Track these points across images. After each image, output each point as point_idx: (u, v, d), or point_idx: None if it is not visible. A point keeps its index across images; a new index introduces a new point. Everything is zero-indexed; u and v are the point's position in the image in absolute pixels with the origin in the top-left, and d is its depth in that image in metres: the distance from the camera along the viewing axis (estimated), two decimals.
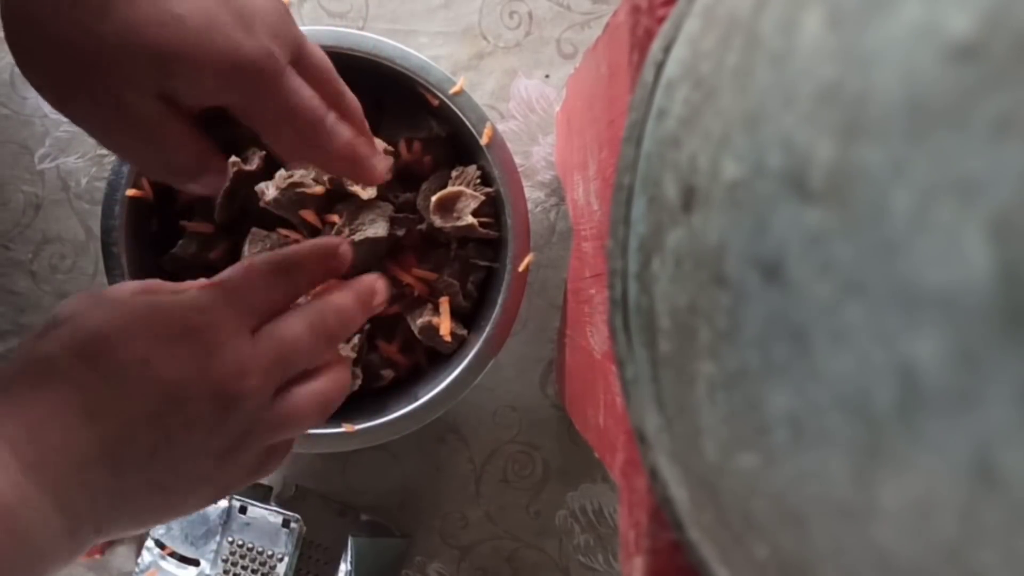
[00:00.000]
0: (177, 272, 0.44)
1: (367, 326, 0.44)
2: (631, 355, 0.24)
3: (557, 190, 0.50)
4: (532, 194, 0.50)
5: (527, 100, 0.50)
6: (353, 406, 0.43)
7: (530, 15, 0.50)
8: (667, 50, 0.24)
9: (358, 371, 0.42)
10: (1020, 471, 0.13)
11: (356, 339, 0.42)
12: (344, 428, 0.41)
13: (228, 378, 0.29)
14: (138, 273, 0.41)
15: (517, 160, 0.50)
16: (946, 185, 0.14)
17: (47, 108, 0.49)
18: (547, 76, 0.50)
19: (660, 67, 0.24)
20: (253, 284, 0.32)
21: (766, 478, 0.18)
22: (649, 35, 0.26)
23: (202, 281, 0.32)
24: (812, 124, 0.17)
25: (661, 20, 0.26)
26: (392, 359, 0.44)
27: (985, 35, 0.14)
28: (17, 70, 0.50)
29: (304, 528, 0.44)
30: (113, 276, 0.41)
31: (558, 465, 0.50)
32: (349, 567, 0.44)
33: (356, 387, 0.42)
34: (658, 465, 0.24)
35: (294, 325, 0.31)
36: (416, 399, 0.42)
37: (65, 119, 0.49)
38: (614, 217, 0.25)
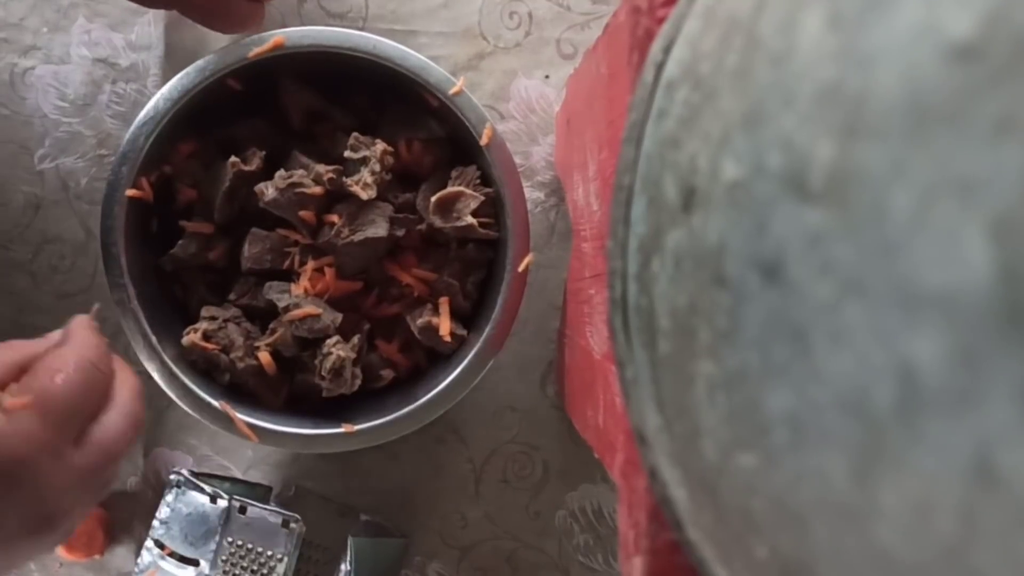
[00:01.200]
0: (177, 272, 0.44)
1: (367, 326, 0.44)
2: (631, 355, 0.24)
3: (557, 190, 0.50)
4: (532, 194, 0.50)
5: (527, 100, 0.50)
6: (353, 406, 0.43)
7: (530, 15, 0.50)
8: (667, 51, 0.24)
9: (357, 371, 0.42)
10: (1020, 471, 0.13)
11: (356, 339, 0.42)
12: (343, 428, 0.41)
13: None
14: (137, 273, 0.41)
15: (517, 160, 0.50)
16: (946, 185, 0.14)
17: (47, 108, 0.49)
18: (547, 76, 0.50)
19: (660, 67, 0.24)
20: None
21: (766, 478, 0.18)
22: (649, 35, 0.26)
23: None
24: (812, 124, 0.17)
25: (661, 20, 0.26)
26: (391, 359, 0.44)
27: (985, 35, 0.14)
28: (17, 70, 0.50)
29: (304, 528, 0.44)
30: (113, 276, 0.41)
31: (558, 465, 0.50)
32: (349, 567, 0.44)
33: (355, 387, 0.42)
34: (657, 465, 0.24)
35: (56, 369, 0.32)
36: (416, 399, 0.42)
37: (65, 119, 0.49)
38: (614, 217, 0.25)
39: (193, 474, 0.45)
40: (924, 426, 0.14)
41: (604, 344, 0.34)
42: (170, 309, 0.44)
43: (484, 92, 0.50)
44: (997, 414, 0.13)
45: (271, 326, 0.42)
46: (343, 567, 0.45)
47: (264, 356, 0.42)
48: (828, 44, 0.17)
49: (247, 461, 0.50)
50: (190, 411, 0.41)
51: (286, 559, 0.44)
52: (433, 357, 0.45)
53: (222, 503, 0.44)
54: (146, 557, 0.44)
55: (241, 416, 0.41)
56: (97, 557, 0.48)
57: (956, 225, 0.14)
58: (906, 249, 0.14)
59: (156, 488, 0.49)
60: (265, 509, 0.44)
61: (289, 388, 0.44)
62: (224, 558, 0.44)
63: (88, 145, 0.49)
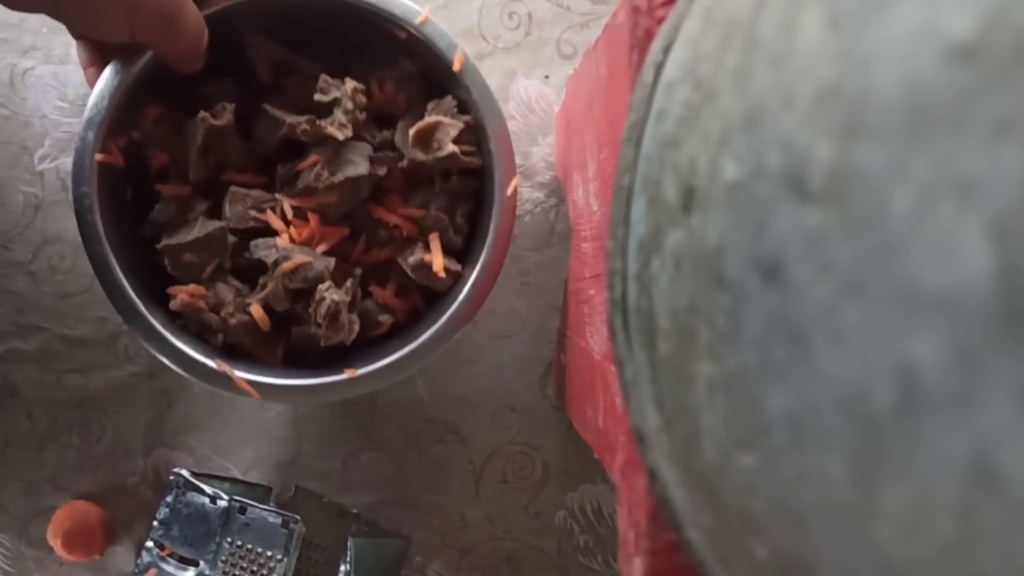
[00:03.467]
0: (157, 237, 0.43)
1: (358, 271, 0.42)
2: (631, 355, 0.24)
3: (557, 191, 0.50)
4: (532, 194, 0.50)
5: (526, 101, 0.50)
6: (353, 355, 0.42)
7: (530, 16, 0.50)
8: (667, 51, 0.24)
9: (354, 317, 0.41)
10: (1019, 472, 0.13)
11: (348, 283, 0.41)
12: (346, 375, 0.40)
13: None
14: (117, 242, 0.40)
15: (517, 161, 0.50)
16: (946, 186, 0.14)
17: (47, 108, 0.49)
18: (547, 77, 0.50)
19: (660, 68, 0.24)
20: None
21: (765, 479, 0.18)
22: (649, 36, 0.26)
23: None
24: (811, 125, 0.17)
25: (660, 21, 0.26)
26: (388, 304, 0.43)
27: (985, 36, 0.14)
28: (17, 70, 0.50)
29: (303, 529, 0.44)
30: (91, 246, 0.39)
31: (557, 466, 0.50)
32: (348, 568, 0.44)
33: (353, 334, 0.41)
34: (657, 465, 0.24)
35: None
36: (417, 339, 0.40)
37: (65, 119, 0.49)
38: (614, 218, 0.25)
39: (193, 475, 0.45)
40: (923, 427, 0.14)
41: (604, 344, 0.34)
42: (154, 278, 0.42)
43: None
44: (996, 415, 0.13)
45: (261, 281, 0.41)
46: (343, 568, 0.45)
47: (256, 310, 0.40)
48: (827, 45, 0.17)
49: (247, 462, 0.50)
50: (185, 374, 0.39)
51: (286, 560, 0.44)
52: (431, 299, 0.44)
53: (222, 504, 0.44)
54: (146, 558, 0.44)
55: (240, 374, 0.39)
56: (97, 557, 0.48)
57: (955, 225, 0.14)
58: (906, 249, 0.14)
59: (156, 488, 0.49)
60: (265, 510, 0.44)
61: (286, 345, 0.43)
62: (224, 559, 0.44)
63: None
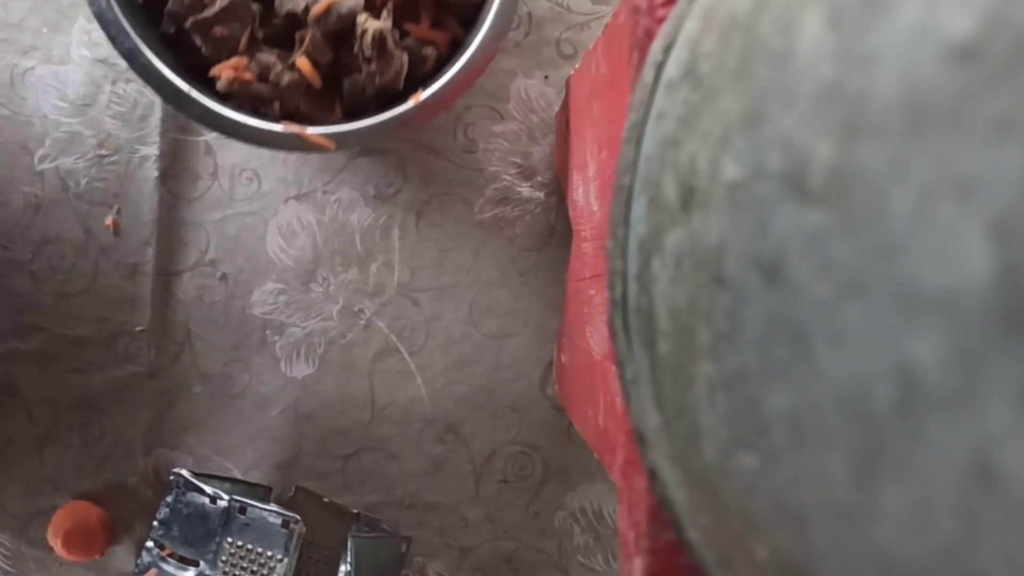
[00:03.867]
0: (180, 29, 0.41)
1: (390, 3, 0.41)
2: (631, 355, 0.24)
3: (557, 191, 0.50)
4: (532, 194, 0.50)
5: (526, 101, 0.50)
6: (408, 93, 0.41)
7: (530, 16, 0.50)
8: (667, 51, 0.24)
9: (401, 52, 0.40)
10: (1019, 472, 0.13)
11: (385, 12, 0.40)
12: (412, 102, 0.39)
13: None
14: (145, 38, 0.39)
15: (517, 160, 0.50)
16: (946, 186, 0.14)
17: (47, 108, 0.49)
18: (547, 77, 0.50)
19: (660, 68, 0.24)
20: None
21: (765, 479, 0.18)
22: (649, 36, 0.26)
23: None
24: (811, 125, 0.17)
25: (661, 20, 0.26)
26: (427, 38, 0.42)
27: (985, 36, 0.14)
28: (17, 70, 0.50)
29: (303, 529, 0.44)
30: (121, 45, 0.38)
31: (558, 466, 0.50)
32: (348, 568, 0.44)
33: (404, 69, 0.40)
34: (657, 465, 0.24)
35: None
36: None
37: (65, 119, 0.49)
38: (614, 217, 0.25)
39: (193, 474, 0.45)
40: (924, 426, 0.14)
41: (604, 344, 0.34)
42: (190, 73, 0.41)
43: (483, 92, 0.50)
44: (997, 415, 0.13)
45: (298, 36, 0.40)
46: (343, 568, 0.45)
47: (303, 62, 0.40)
48: (828, 44, 0.17)
49: (247, 462, 0.50)
50: (255, 145, 0.39)
51: (286, 559, 0.44)
52: (466, 24, 0.43)
53: (222, 504, 0.44)
54: (146, 558, 0.44)
55: (309, 130, 0.39)
56: (97, 557, 0.48)
57: (956, 225, 0.14)
58: (905, 249, 0.14)
59: (156, 488, 0.49)
60: (265, 509, 0.44)
61: (342, 101, 0.42)
62: (224, 559, 0.44)
63: (88, 145, 0.49)
